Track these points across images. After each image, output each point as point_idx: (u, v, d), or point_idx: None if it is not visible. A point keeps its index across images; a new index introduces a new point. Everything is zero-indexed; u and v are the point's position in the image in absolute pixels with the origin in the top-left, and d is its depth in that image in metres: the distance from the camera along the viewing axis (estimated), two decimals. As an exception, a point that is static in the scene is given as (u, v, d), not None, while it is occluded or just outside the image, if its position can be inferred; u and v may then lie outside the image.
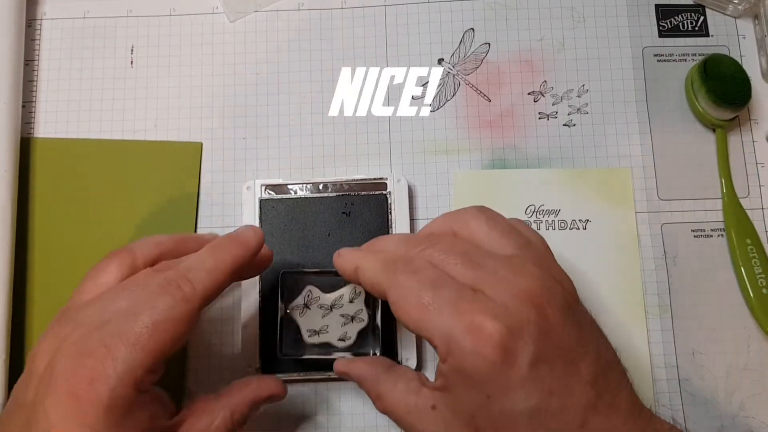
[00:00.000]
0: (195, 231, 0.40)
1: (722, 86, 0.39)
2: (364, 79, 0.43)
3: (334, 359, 0.34)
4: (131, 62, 0.43)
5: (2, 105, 0.39)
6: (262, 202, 0.39)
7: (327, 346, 0.36)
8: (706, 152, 0.41)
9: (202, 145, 0.42)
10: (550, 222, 0.40)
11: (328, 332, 0.36)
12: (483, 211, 0.31)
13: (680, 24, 0.43)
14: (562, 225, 0.40)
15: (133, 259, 0.30)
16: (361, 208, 0.39)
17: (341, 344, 0.36)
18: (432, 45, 0.43)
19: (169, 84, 0.43)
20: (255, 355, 0.37)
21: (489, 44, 0.43)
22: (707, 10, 0.43)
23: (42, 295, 0.40)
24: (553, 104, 0.42)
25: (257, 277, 0.38)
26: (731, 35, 0.43)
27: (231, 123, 0.42)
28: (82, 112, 0.42)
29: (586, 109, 0.42)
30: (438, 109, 0.42)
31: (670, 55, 0.43)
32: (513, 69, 0.43)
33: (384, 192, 0.39)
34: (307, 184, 0.39)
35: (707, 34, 0.43)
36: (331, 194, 0.39)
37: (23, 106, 0.42)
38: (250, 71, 0.43)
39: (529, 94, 0.42)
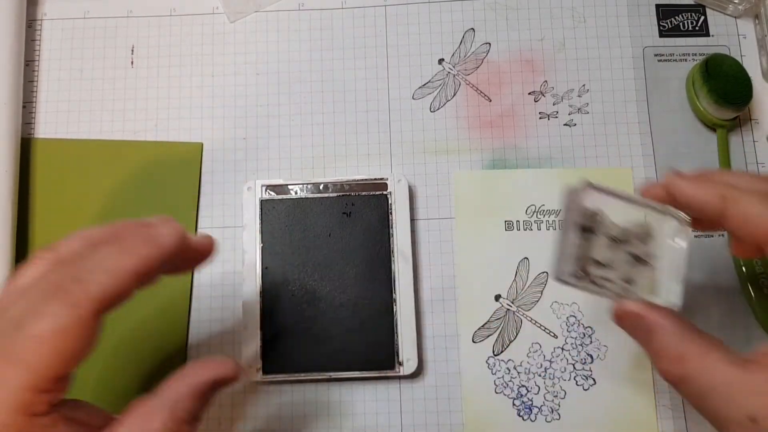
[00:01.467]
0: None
1: (724, 86, 0.39)
2: (364, 78, 0.43)
3: (615, 298, 0.29)
4: (132, 62, 0.43)
5: (2, 105, 0.39)
6: (262, 202, 0.39)
7: (608, 283, 0.29)
8: (706, 152, 0.41)
9: (202, 145, 0.42)
10: (550, 222, 0.40)
11: (612, 268, 0.29)
12: None
13: (681, 24, 0.43)
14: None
15: (56, 258, 0.26)
16: (362, 209, 0.39)
17: (626, 286, 0.29)
18: (432, 45, 0.43)
19: (170, 84, 0.43)
20: (256, 355, 0.37)
21: (489, 44, 0.43)
22: (708, 10, 0.43)
23: (42, 295, 0.39)
24: (553, 104, 0.42)
25: (258, 274, 0.38)
26: (732, 35, 0.43)
27: (231, 123, 0.42)
28: (83, 113, 0.42)
29: (587, 108, 0.42)
30: (438, 109, 0.42)
31: (671, 54, 0.43)
32: (513, 69, 0.43)
33: (384, 192, 0.39)
34: (307, 184, 0.39)
35: (708, 34, 0.43)
36: (331, 194, 0.39)
37: (23, 107, 0.42)
38: (251, 71, 0.43)
39: (529, 94, 0.42)
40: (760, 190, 0.27)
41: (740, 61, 0.41)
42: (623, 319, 0.28)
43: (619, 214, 0.30)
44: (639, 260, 0.30)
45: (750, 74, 0.40)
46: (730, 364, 0.25)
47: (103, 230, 0.27)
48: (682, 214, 0.30)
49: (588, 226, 0.29)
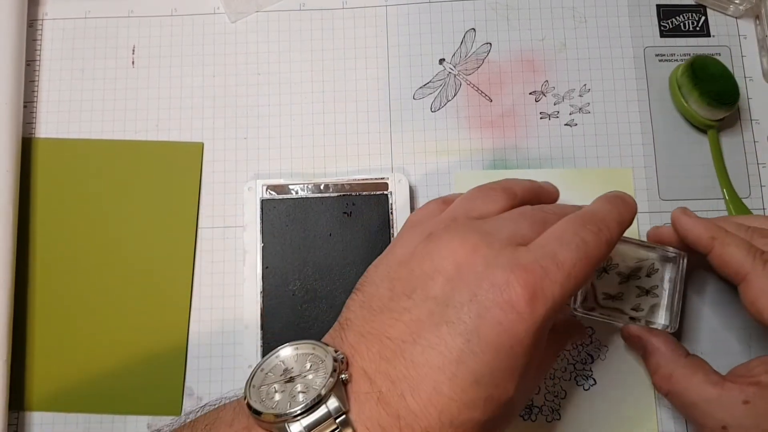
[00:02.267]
0: (195, 232, 0.40)
1: (715, 87, 0.39)
2: (365, 78, 0.43)
3: (623, 323, 0.36)
4: (132, 62, 0.43)
5: (3, 105, 0.39)
6: (263, 202, 0.39)
7: (618, 312, 0.35)
8: (707, 152, 0.41)
9: (203, 145, 0.42)
10: (551, 222, 0.40)
11: (622, 299, 0.36)
12: None
13: (681, 24, 0.43)
14: (564, 225, 0.40)
15: (515, 195, 0.30)
16: (362, 209, 0.39)
17: (633, 314, 0.35)
18: (433, 45, 0.43)
19: (171, 84, 0.43)
20: (257, 355, 0.37)
21: (490, 44, 0.43)
22: (708, 11, 0.43)
23: (43, 295, 0.40)
24: (554, 104, 0.42)
25: (258, 274, 0.38)
26: (732, 35, 0.43)
27: (232, 123, 0.42)
28: (84, 113, 0.42)
29: (588, 108, 0.42)
30: (439, 109, 0.42)
31: (672, 54, 0.43)
32: (514, 69, 0.43)
33: (385, 192, 0.39)
34: (308, 184, 0.39)
35: (708, 35, 0.43)
36: (332, 194, 0.39)
37: (24, 107, 0.42)
38: (251, 71, 0.43)
39: (530, 93, 0.42)
40: (744, 237, 0.33)
41: (741, 62, 0.41)
42: (628, 340, 0.36)
43: (629, 253, 0.35)
44: (645, 291, 0.36)
45: (751, 74, 0.40)
46: (709, 384, 0.32)
47: (534, 183, 0.32)
48: (680, 252, 0.35)
49: (603, 267, 0.35)
